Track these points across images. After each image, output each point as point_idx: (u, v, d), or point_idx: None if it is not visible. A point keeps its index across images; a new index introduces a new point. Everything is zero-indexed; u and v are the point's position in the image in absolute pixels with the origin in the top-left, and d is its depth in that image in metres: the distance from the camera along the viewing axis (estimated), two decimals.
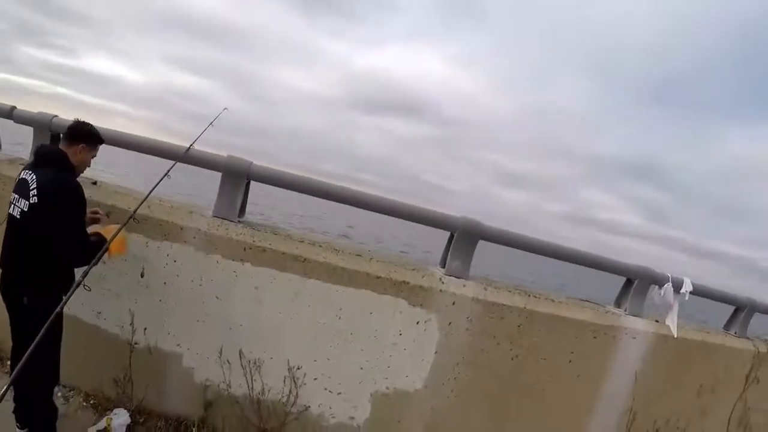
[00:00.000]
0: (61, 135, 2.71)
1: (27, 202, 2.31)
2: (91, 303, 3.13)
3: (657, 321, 3.08)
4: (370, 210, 2.91)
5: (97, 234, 2.54)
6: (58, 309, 2.05)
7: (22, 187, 2.36)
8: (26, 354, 1.84)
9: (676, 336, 3.00)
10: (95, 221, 2.76)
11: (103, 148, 3.27)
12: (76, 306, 3.14)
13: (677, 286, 3.08)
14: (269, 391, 2.92)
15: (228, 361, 2.95)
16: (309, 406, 2.90)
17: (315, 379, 2.87)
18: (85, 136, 2.55)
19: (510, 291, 2.79)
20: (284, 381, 2.89)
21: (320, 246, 2.89)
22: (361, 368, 2.81)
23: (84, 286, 2.46)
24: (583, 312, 2.80)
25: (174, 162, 2.89)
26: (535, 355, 2.74)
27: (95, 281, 3.09)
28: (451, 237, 2.88)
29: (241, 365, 2.93)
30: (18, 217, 2.36)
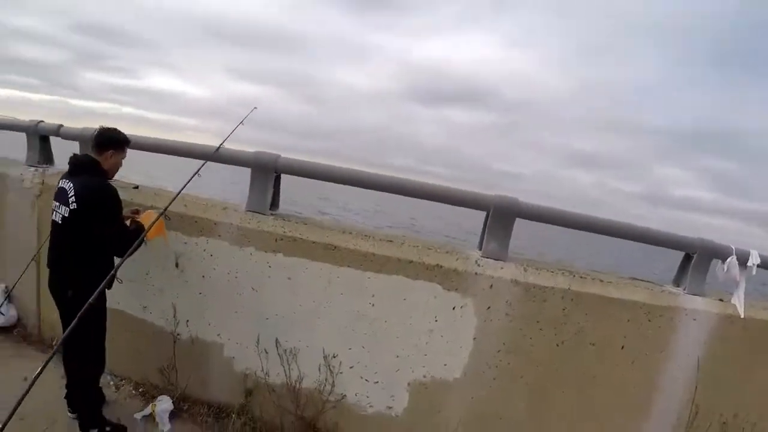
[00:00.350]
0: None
1: (68, 209, 2.50)
2: (139, 298, 3.26)
3: (721, 300, 2.78)
4: (402, 194, 2.84)
5: (135, 222, 2.70)
6: (90, 300, 2.12)
7: (61, 195, 2.55)
8: (62, 337, 1.93)
9: (743, 316, 2.68)
10: (135, 214, 2.88)
11: (141, 156, 3.40)
12: (125, 301, 3.29)
13: (743, 260, 2.76)
14: (306, 379, 2.91)
15: (265, 350, 2.96)
16: (345, 395, 2.86)
17: (351, 367, 2.82)
18: (112, 141, 2.68)
19: (552, 271, 2.61)
20: (320, 369, 2.87)
21: (350, 233, 2.84)
22: (398, 356, 2.74)
23: (117, 279, 2.58)
24: (635, 292, 2.57)
25: (204, 161, 2.94)
26: (582, 340, 2.55)
27: (141, 278, 3.22)
28: (487, 217, 2.74)
29: (278, 354, 2.93)
30: (60, 222, 2.55)
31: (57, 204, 2.56)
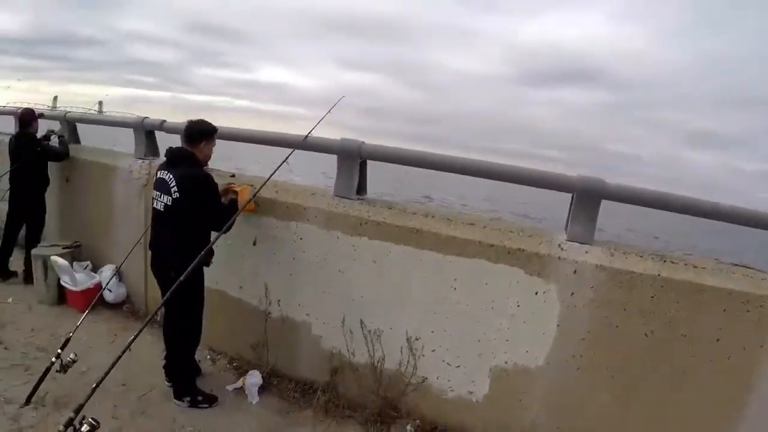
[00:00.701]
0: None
1: (170, 198, 2.84)
2: (236, 279, 3.58)
3: None
4: (484, 177, 2.92)
5: (230, 198, 3.14)
6: (181, 278, 2.47)
7: (162, 185, 2.89)
8: (156, 310, 2.29)
9: None
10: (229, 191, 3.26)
11: (239, 146, 3.77)
12: (223, 281, 3.63)
13: None
14: (389, 360, 3.05)
15: (351, 330, 3.14)
16: (427, 378, 2.96)
17: (433, 350, 2.93)
18: (202, 133, 3.03)
19: (641, 256, 2.54)
20: (403, 351, 2.99)
21: (433, 217, 2.94)
22: (479, 341, 2.80)
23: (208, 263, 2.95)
24: (733, 280, 2.44)
25: (292, 150, 3.21)
26: (673, 331, 2.45)
27: (237, 260, 3.54)
28: (573, 200, 2.74)
29: (363, 335, 3.10)
30: (162, 210, 2.89)
31: (158, 193, 2.91)
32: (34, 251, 4.34)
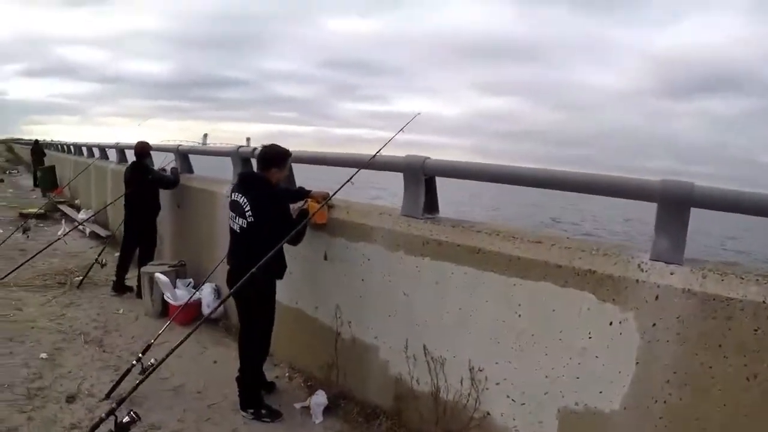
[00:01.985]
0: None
1: (245, 221, 3.12)
2: (313, 299, 3.75)
3: None
4: (553, 188, 2.74)
5: (303, 210, 3.42)
6: (253, 269, 2.78)
7: (236, 208, 3.18)
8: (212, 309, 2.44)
9: None
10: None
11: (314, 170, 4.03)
12: (303, 302, 3.84)
13: None
14: (451, 391, 2.92)
15: (414, 356, 3.09)
16: (490, 413, 2.76)
17: (497, 384, 2.73)
18: (274, 159, 3.28)
19: (742, 278, 2.09)
20: (466, 382, 2.85)
21: (497, 235, 2.79)
22: (546, 376, 2.55)
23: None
24: None
25: (358, 169, 3.31)
26: None
27: (313, 280, 3.71)
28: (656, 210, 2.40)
29: (426, 362, 3.02)
30: (238, 231, 3.19)
31: (233, 215, 3.20)
32: (143, 269, 5.01)
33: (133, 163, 5.84)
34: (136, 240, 5.63)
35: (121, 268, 5.69)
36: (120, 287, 5.66)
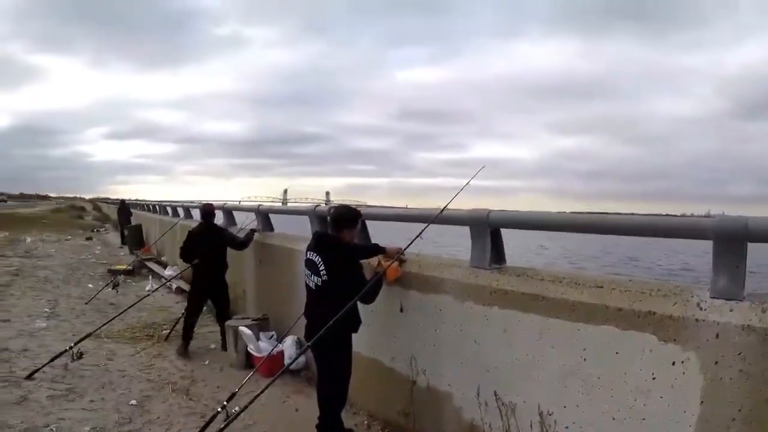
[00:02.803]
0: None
1: (320, 279, 3.54)
2: (388, 350, 4.07)
3: None
4: (609, 233, 2.97)
5: (377, 272, 3.73)
6: (307, 345, 3.05)
7: (311, 266, 3.61)
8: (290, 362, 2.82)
9: None
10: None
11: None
12: (379, 352, 4.18)
13: None
14: None
15: (486, 402, 3.31)
16: None
17: (566, 428, 2.90)
18: (346, 221, 3.69)
19: None
20: (536, 427, 3.03)
21: (560, 281, 3.03)
22: (613, 419, 2.69)
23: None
24: None
25: (426, 224, 3.68)
26: None
27: (389, 331, 4.05)
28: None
29: (497, 407, 3.23)
30: (314, 288, 3.60)
31: (309, 273, 3.63)
32: (228, 323, 5.55)
33: (205, 224, 6.43)
34: (206, 295, 6.31)
35: (189, 330, 6.13)
36: (185, 350, 6.04)
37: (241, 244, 6.27)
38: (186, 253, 6.24)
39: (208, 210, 6.51)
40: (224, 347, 5.93)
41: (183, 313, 6.57)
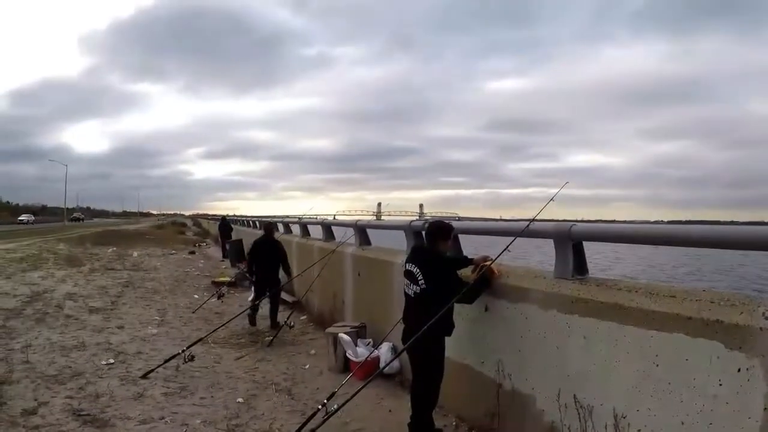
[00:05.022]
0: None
1: (418, 287, 4.19)
2: (479, 355, 4.62)
3: None
4: (684, 246, 3.31)
5: (482, 274, 4.26)
6: (404, 347, 3.68)
7: (410, 276, 4.27)
8: (387, 364, 3.47)
9: None
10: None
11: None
12: (470, 357, 4.74)
13: None
14: None
15: (565, 405, 3.74)
16: None
17: (638, 430, 3.25)
18: (439, 235, 4.32)
19: None
20: (610, 429, 3.40)
21: (636, 291, 3.41)
22: (682, 423, 3.00)
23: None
24: None
25: (514, 238, 4.18)
26: None
27: (479, 339, 4.58)
28: None
29: (576, 410, 3.64)
30: (413, 296, 4.25)
31: (408, 282, 4.29)
32: (328, 330, 6.33)
33: (264, 237, 9.26)
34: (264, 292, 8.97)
35: (255, 312, 8.98)
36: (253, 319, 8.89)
37: (288, 269, 9.33)
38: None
39: (269, 229, 9.65)
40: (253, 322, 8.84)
41: (285, 322, 7.59)
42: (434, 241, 4.24)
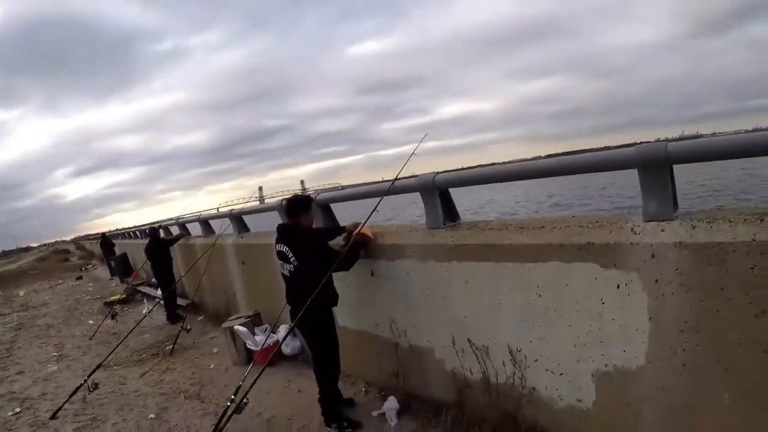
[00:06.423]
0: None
1: (291, 265, 3.48)
2: (370, 319, 4.03)
3: None
4: (540, 177, 2.91)
5: (352, 239, 3.65)
6: (291, 326, 3.02)
7: (282, 256, 3.55)
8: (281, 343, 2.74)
9: None
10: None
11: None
12: (363, 323, 4.14)
13: None
14: (500, 375, 3.07)
15: (462, 350, 3.28)
16: (536, 388, 2.89)
17: (535, 360, 2.87)
18: (297, 209, 3.62)
19: (731, 221, 2.11)
20: (509, 365, 3.00)
21: (507, 228, 2.96)
22: (575, 345, 2.65)
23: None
24: None
25: (381, 197, 3.58)
26: None
27: (367, 303, 3.99)
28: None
29: (473, 352, 3.19)
30: (288, 275, 3.54)
31: (281, 263, 3.58)
32: (223, 324, 5.46)
33: (153, 241, 8.78)
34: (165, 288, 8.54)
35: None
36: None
37: (174, 240, 9.03)
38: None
39: (154, 233, 8.95)
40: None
41: (181, 327, 6.56)
42: (296, 217, 3.55)
